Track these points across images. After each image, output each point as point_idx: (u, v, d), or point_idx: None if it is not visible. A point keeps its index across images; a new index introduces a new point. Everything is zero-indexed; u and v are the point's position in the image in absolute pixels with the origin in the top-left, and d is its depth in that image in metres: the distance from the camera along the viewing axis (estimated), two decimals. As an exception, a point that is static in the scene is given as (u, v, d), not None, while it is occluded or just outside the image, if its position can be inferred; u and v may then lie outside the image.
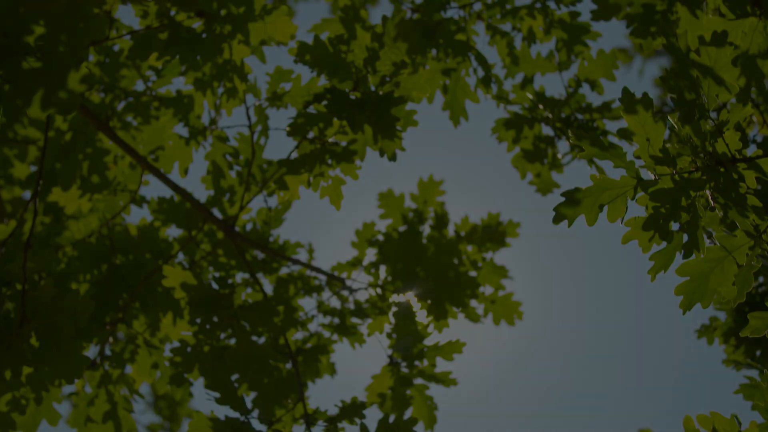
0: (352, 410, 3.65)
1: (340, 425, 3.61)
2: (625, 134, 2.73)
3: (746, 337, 4.30)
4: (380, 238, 4.62)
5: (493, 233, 4.85)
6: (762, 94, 4.13)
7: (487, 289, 4.90)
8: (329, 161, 3.57)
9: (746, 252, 2.74)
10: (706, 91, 2.76)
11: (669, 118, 2.77)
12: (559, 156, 4.52)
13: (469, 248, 4.86)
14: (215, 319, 3.70)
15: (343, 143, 3.59)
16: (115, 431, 3.67)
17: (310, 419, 3.63)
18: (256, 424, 3.62)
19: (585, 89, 4.46)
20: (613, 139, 2.95)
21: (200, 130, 3.93)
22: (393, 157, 3.49)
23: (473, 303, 4.84)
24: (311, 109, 3.45)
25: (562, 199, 2.80)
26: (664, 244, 2.73)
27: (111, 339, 3.82)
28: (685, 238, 2.71)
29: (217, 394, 3.62)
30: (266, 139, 3.98)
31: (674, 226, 2.77)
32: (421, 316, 4.46)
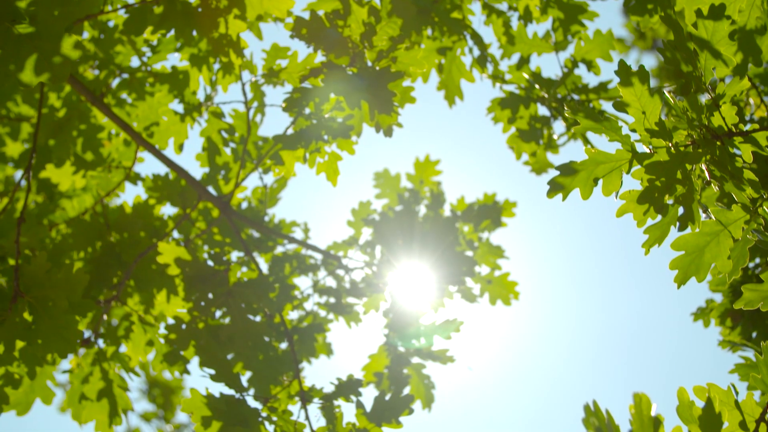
0: (349, 387, 3.65)
1: (336, 402, 3.60)
2: (620, 107, 2.72)
3: (742, 318, 4.29)
4: (376, 217, 4.61)
5: (489, 212, 4.84)
6: (758, 76, 4.12)
7: (483, 269, 4.90)
8: (325, 137, 3.55)
9: (742, 226, 2.73)
10: (703, 64, 2.74)
11: (665, 92, 2.76)
12: (555, 136, 4.50)
13: (465, 228, 4.85)
14: (210, 296, 3.69)
15: (340, 119, 3.57)
16: (110, 409, 3.66)
17: (305, 396, 3.62)
18: (251, 401, 3.62)
19: (581, 70, 4.44)
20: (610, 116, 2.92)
21: (195, 106, 3.91)
22: (389, 133, 3.47)
23: (469, 283, 4.83)
24: (307, 84, 3.43)
25: (557, 173, 2.79)
26: (659, 217, 2.72)
27: (105, 316, 3.81)
28: (681, 210, 2.70)
29: (212, 371, 3.62)
30: (262, 116, 3.96)
31: (669, 201, 2.76)
32: (418, 294, 4.45)
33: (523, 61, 4.45)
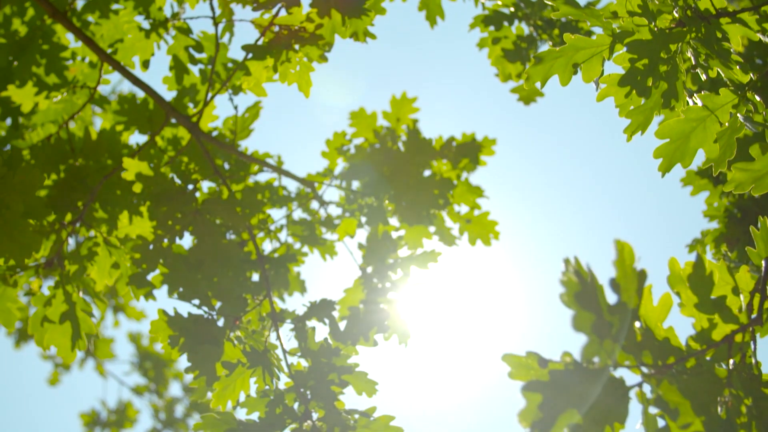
0: (322, 308, 3.52)
1: (309, 324, 3.47)
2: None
3: (738, 243, 4.17)
4: (352, 149, 4.47)
5: (467, 150, 4.71)
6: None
7: (462, 209, 4.77)
8: (296, 47, 3.42)
9: (729, 111, 2.61)
10: (687, -57, 2.63)
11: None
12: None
13: (444, 166, 4.72)
14: (178, 214, 3.55)
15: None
16: (72, 332, 3.50)
17: (277, 317, 3.49)
18: (220, 321, 3.49)
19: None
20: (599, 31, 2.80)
21: (162, 21, 3.77)
22: (362, 37, 3.35)
23: (448, 223, 4.71)
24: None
25: (536, 61, 2.67)
26: (642, 102, 2.61)
27: (70, 240, 3.66)
28: (665, 89, 2.58)
29: (180, 289, 3.49)
30: (231, 35, 3.82)
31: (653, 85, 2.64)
32: (395, 225, 4.32)
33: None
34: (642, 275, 1.86)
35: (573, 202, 11.96)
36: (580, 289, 1.71)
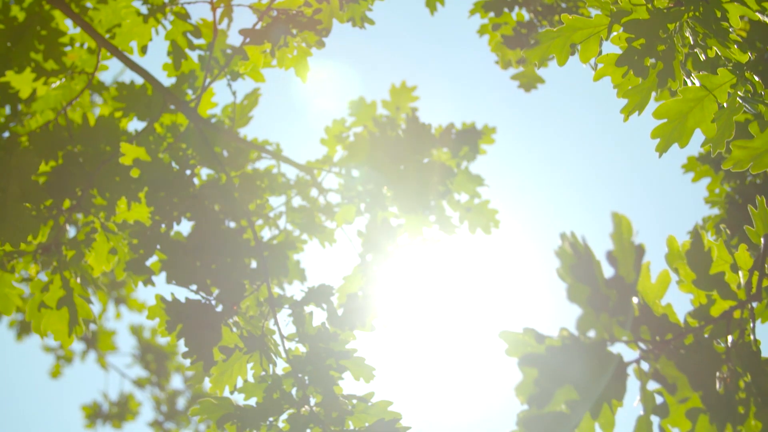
0: (320, 294, 3.51)
1: (307, 309, 3.46)
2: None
3: (739, 228, 4.15)
4: (351, 137, 4.46)
5: (467, 137, 4.69)
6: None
7: (462, 197, 4.75)
8: (293, 32, 3.40)
9: (728, 90, 2.59)
10: None
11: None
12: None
13: (444, 155, 4.70)
14: (175, 199, 3.54)
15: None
16: (69, 318, 3.50)
17: (275, 302, 3.48)
18: (219, 307, 3.48)
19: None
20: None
21: (159, 6, 3.76)
22: (360, 22, 3.34)
23: (448, 212, 4.70)
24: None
25: (535, 42, 2.66)
26: (639, 82, 2.59)
27: (67, 226, 3.65)
28: (661, 69, 2.56)
29: (178, 276, 3.48)
30: (229, 21, 3.81)
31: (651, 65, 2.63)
32: (395, 212, 4.31)
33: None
34: (640, 250, 1.84)
35: (574, 190, 11.94)
36: (576, 261, 1.70)
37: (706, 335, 2.02)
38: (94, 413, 8.91)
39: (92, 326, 8.63)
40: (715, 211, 4.25)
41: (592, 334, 1.74)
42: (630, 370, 1.87)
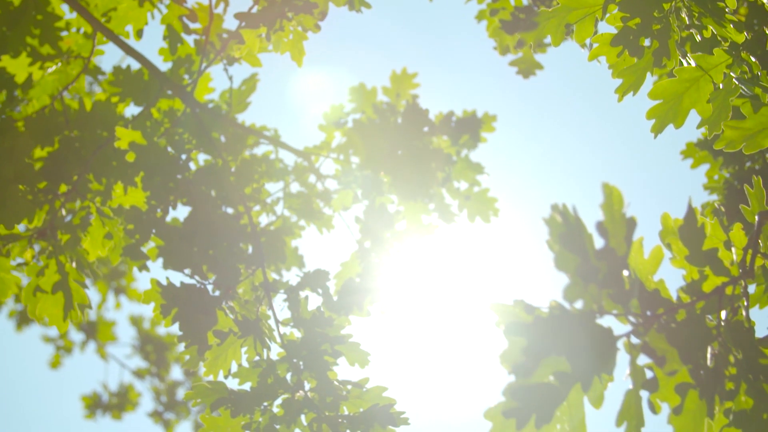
0: (316, 278, 3.49)
1: (302, 294, 3.45)
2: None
3: (738, 215, 4.13)
4: (350, 123, 4.45)
5: (468, 125, 4.67)
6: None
7: (462, 185, 4.74)
8: (289, 15, 3.39)
9: (723, 71, 2.58)
10: None
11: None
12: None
13: (444, 143, 4.69)
14: (171, 184, 3.53)
15: None
16: (65, 302, 3.49)
17: (270, 287, 3.47)
18: (213, 291, 3.47)
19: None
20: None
21: (155, -10, 3.75)
22: (357, 5, 3.32)
23: (448, 200, 4.68)
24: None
25: (531, 25, 2.65)
26: (634, 62, 2.58)
27: (63, 211, 3.64)
28: (656, 48, 2.55)
29: (174, 260, 3.46)
30: (225, 5, 3.80)
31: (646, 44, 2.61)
32: (393, 198, 4.29)
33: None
34: (631, 222, 1.83)
35: (573, 178, 11.92)
36: (565, 230, 1.68)
37: (698, 311, 2.01)
38: (93, 403, 8.92)
39: (92, 316, 8.62)
40: (714, 197, 4.24)
41: (580, 305, 1.72)
42: (620, 344, 1.85)
